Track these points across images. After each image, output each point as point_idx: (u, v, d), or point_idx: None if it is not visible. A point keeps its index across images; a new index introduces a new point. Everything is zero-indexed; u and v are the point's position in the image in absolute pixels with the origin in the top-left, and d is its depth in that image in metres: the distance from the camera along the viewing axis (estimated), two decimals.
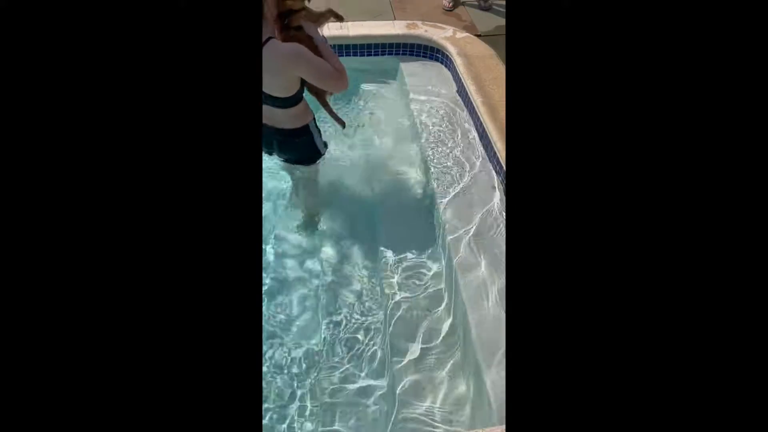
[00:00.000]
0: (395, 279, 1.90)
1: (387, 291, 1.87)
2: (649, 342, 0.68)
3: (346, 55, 3.04)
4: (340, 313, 1.89)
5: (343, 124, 2.01)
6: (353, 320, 1.87)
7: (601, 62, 0.73)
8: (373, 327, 1.85)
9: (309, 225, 2.20)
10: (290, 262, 2.07)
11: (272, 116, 1.71)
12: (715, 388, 0.65)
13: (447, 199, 2.09)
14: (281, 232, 2.16)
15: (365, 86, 2.96)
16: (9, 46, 0.65)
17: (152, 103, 0.70)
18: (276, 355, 1.78)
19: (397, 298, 1.84)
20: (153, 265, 0.69)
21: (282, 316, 1.89)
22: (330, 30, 3.00)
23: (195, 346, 0.69)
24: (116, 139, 0.69)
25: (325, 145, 1.97)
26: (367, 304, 1.93)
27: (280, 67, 1.53)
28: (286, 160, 1.98)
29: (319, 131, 1.90)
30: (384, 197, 2.28)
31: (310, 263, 2.06)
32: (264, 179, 2.21)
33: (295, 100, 1.68)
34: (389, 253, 1.99)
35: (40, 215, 0.66)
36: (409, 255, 1.99)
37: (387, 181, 2.35)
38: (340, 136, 2.62)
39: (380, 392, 1.70)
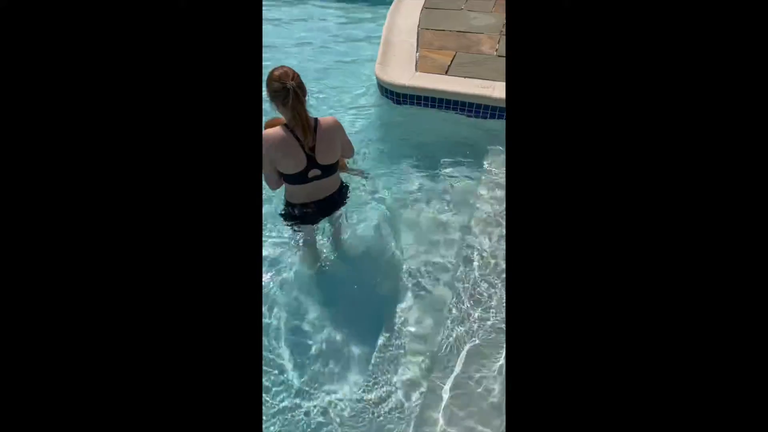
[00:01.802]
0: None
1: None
2: (649, 351, 0.67)
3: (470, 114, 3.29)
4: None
5: (363, 175, 2.51)
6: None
7: (600, 61, 0.72)
8: None
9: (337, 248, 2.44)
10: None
11: (324, 187, 2.02)
12: (713, 400, 0.63)
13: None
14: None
15: (468, 144, 3.09)
16: (9, 46, 0.65)
17: (151, 101, 0.70)
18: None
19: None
20: (155, 266, 0.70)
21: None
22: (476, 88, 3.18)
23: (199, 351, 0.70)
24: (114, 136, 0.69)
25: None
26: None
27: (339, 133, 1.92)
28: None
29: None
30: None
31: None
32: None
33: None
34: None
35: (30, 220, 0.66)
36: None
37: (459, 242, 2.48)
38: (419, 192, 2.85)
39: None
